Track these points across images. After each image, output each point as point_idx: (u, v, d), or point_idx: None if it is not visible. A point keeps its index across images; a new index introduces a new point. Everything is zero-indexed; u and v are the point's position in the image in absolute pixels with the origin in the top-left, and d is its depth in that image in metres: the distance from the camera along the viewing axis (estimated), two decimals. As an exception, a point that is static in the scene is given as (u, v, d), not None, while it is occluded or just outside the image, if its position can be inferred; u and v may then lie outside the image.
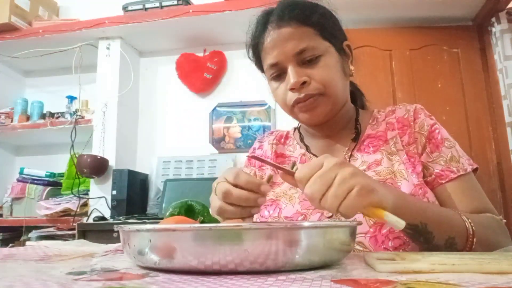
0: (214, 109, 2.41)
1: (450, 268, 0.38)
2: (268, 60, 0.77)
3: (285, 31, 0.74)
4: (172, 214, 0.54)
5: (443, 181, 0.72)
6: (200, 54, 2.43)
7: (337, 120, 0.82)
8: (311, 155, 0.84)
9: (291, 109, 0.77)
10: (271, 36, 0.76)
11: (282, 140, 0.92)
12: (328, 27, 0.77)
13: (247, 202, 0.56)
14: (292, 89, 0.74)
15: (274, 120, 2.31)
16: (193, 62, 2.42)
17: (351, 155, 0.79)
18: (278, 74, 0.77)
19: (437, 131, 0.76)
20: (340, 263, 0.46)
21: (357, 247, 0.66)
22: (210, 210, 0.61)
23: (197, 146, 2.35)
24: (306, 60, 0.74)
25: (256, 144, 0.95)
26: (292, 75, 0.73)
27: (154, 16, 2.15)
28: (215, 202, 0.59)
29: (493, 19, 2.03)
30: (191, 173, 2.23)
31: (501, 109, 2.00)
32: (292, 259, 0.38)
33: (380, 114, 0.85)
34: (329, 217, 0.70)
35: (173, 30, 2.26)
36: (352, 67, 0.81)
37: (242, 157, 2.24)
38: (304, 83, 0.73)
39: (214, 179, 2.44)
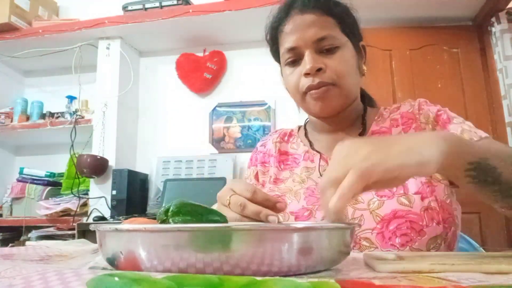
0: (214, 109, 2.41)
1: (449, 268, 0.38)
2: (287, 44, 0.77)
3: (308, 18, 0.76)
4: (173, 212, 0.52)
5: None
6: (200, 54, 2.43)
7: (347, 115, 0.82)
8: (315, 152, 0.84)
9: (303, 96, 0.77)
10: (293, 20, 0.77)
11: (286, 138, 0.92)
12: (348, 23, 0.79)
13: (260, 217, 0.55)
14: (306, 75, 0.74)
15: (274, 120, 2.31)
16: (193, 62, 2.42)
17: None
18: (294, 59, 0.77)
19: (442, 113, 0.76)
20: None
21: (364, 243, 0.66)
22: None
23: (197, 146, 2.35)
24: (324, 49, 0.75)
25: (259, 143, 0.95)
26: (308, 61, 0.73)
27: (154, 16, 2.15)
28: (228, 214, 0.56)
29: (493, 19, 2.03)
30: (191, 173, 2.23)
31: (501, 109, 2.01)
32: (284, 264, 0.36)
33: (386, 111, 0.86)
34: None
35: (173, 30, 2.26)
36: (364, 67, 0.83)
37: (242, 157, 2.25)
38: (319, 70, 0.73)
39: (214, 179, 2.41)
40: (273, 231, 0.36)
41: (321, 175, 0.79)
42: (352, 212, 0.68)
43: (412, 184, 0.69)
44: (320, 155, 0.83)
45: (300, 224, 0.42)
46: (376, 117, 0.84)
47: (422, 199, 0.67)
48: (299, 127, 0.94)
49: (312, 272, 0.39)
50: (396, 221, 0.65)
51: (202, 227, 0.36)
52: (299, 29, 0.75)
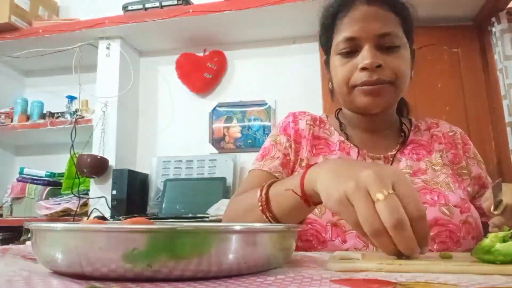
0: (214, 109, 2.41)
1: (397, 268, 0.39)
2: (345, 32, 0.73)
3: (374, 10, 0.72)
4: None
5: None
6: (200, 54, 2.42)
7: (387, 117, 0.82)
8: (351, 145, 0.81)
9: (351, 90, 0.74)
10: (358, 10, 0.73)
11: (317, 122, 0.87)
12: (410, 24, 0.77)
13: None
14: (364, 69, 0.71)
15: (274, 120, 2.30)
16: (193, 62, 2.42)
17: (395, 155, 0.79)
18: (349, 51, 0.73)
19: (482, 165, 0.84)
20: (298, 262, 0.46)
21: None
22: None
23: (197, 146, 2.35)
24: (384, 46, 0.72)
25: (289, 118, 0.87)
26: (369, 55, 0.70)
27: (154, 16, 2.15)
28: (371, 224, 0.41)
29: (493, 19, 2.03)
30: (191, 173, 2.23)
31: (501, 109, 2.00)
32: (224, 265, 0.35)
33: (421, 123, 0.86)
34: None
35: (173, 30, 2.26)
36: (412, 72, 0.80)
37: (242, 157, 2.24)
38: (379, 66, 0.70)
39: (214, 179, 2.39)
40: (219, 233, 0.35)
41: None
42: None
43: (452, 198, 0.70)
44: (358, 150, 0.80)
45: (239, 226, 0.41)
46: (412, 128, 0.85)
47: (461, 212, 0.68)
48: (327, 116, 0.90)
49: (262, 271, 0.39)
50: (437, 228, 0.67)
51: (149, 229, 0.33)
52: (363, 20, 0.72)
